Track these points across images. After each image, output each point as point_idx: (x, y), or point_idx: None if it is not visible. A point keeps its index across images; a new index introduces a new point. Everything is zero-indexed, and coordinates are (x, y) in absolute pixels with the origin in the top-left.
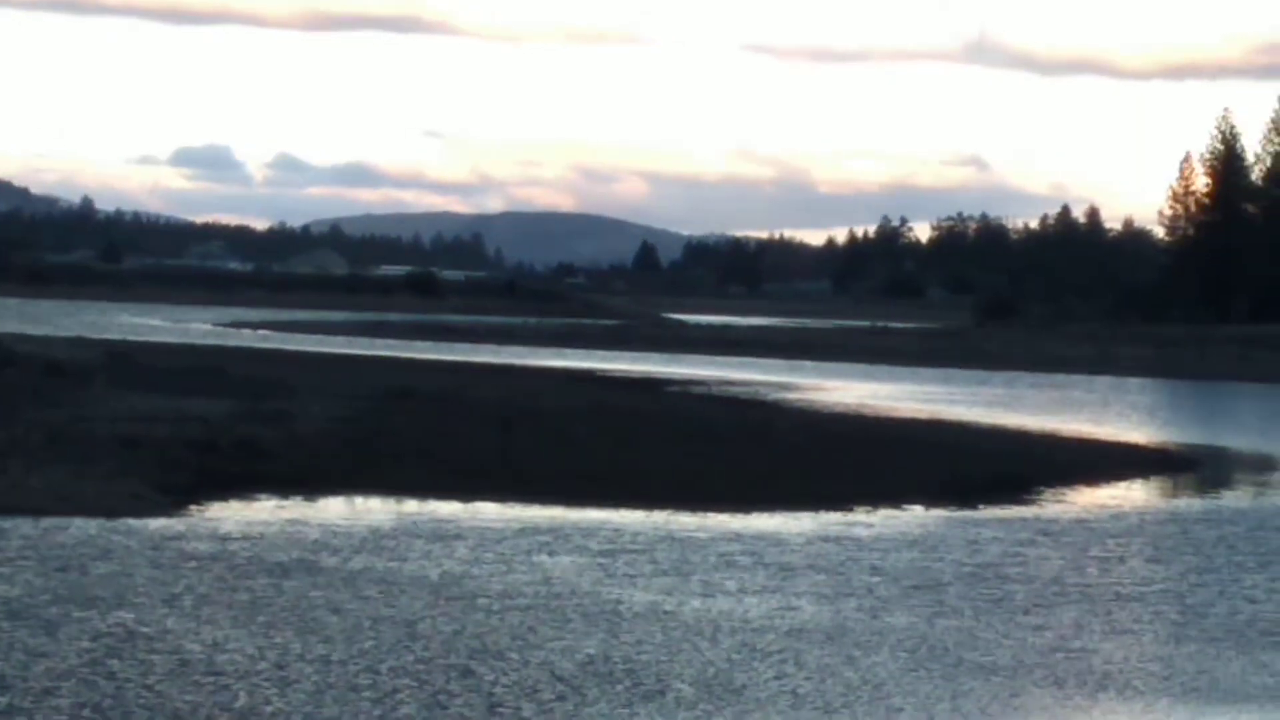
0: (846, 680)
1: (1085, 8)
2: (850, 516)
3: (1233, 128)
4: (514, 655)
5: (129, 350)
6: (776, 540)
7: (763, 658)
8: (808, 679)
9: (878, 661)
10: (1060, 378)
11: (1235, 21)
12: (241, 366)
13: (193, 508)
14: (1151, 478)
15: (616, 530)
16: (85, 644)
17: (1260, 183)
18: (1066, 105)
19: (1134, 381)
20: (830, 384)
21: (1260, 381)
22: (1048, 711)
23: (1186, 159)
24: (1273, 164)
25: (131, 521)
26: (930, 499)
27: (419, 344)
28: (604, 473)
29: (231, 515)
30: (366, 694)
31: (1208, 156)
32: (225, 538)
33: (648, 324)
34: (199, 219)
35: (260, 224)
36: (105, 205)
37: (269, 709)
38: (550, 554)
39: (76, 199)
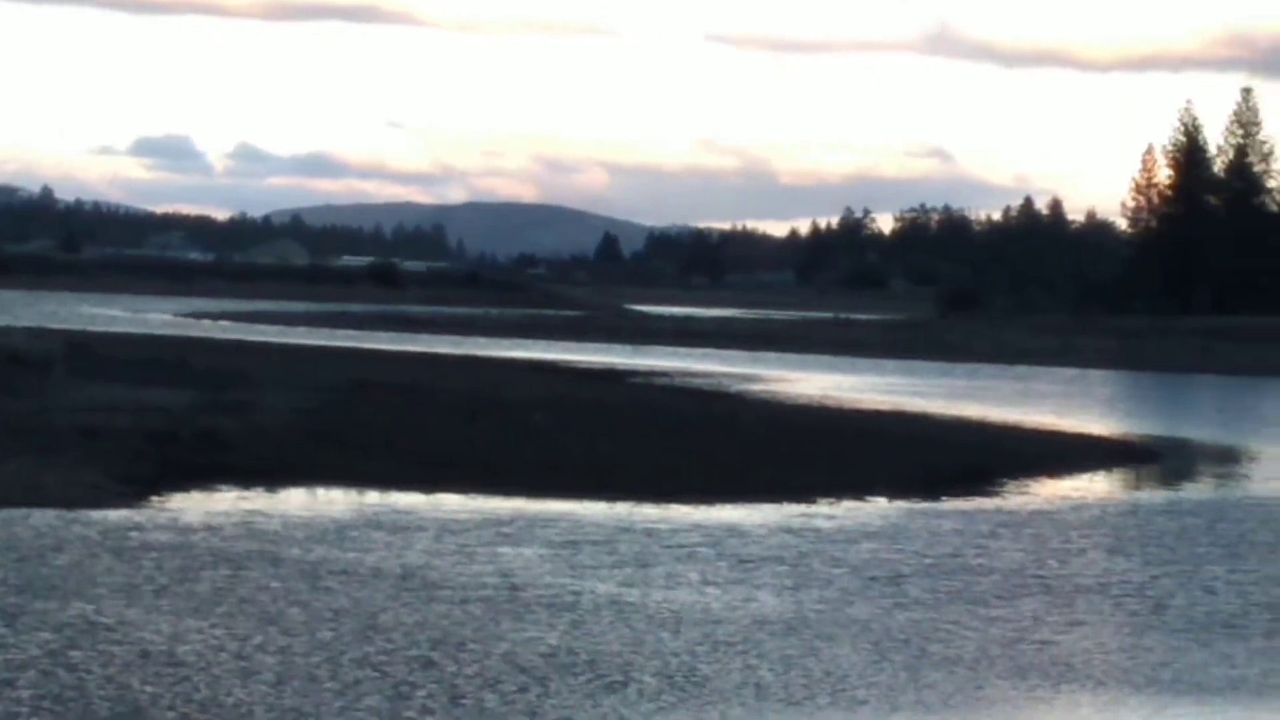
0: (809, 671)
1: None
2: (813, 508)
3: (1195, 120)
4: (476, 646)
5: (89, 340)
6: (739, 532)
7: (725, 649)
8: (770, 670)
9: (840, 653)
10: (1023, 369)
11: (1198, 13)
12: (203, 357)
13: (154, 499)
14: (1114, 469)
15: (579, 522)
16: (45, 635)
17: (1222, 175)
18: (1029, 97)
19: (1096, 373)
20: (793, 375)
21: (1222, 373)
22: (1011, 703)
23: (1149, 151)
24: (1235, 156)
25: (92, 512)
26: (893, 491)
27: (381, 335)
28: (566, 464)
29: (193, 506)
30: (328, 685)
31: (1170, 148)
32: (186, 529)
33: (610, 315)
34: (159, 209)
35: (221, 214)
36: (65, 195)
37: (230, 700)
38: (513, 545)
39: (36, 189)
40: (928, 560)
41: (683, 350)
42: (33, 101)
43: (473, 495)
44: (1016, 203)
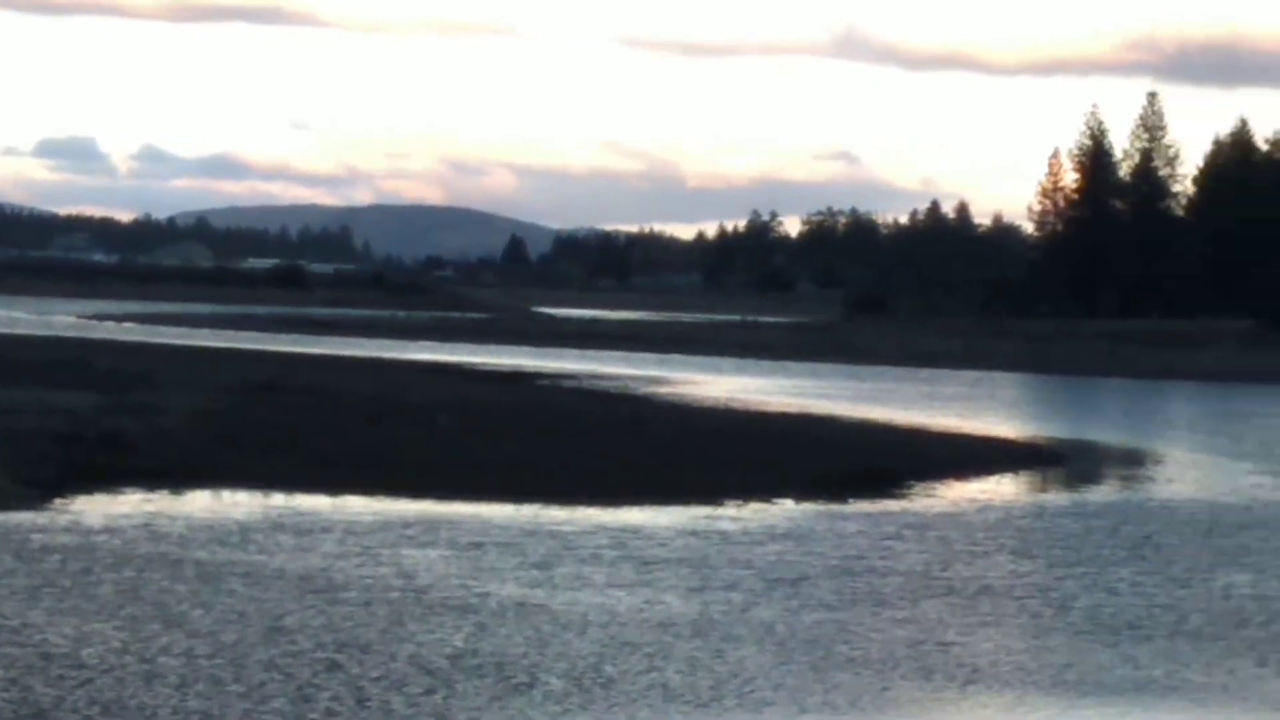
0: (715, 673)
1: (953, 3)
2: (719, 510)
3: (1101, 124)
4: (381, 648)
5: None
6: (645, 534)
7: (631, 651)
8: (677, 672)
9: (746, 654)
10: (929, 372)
11: (1104, 18)
12: (106, 359)
13: (57, 501)
14: (1020, 472)
15: (485, 524)
16: None
17: (1128, 179)
18: (936, 100)
19: (1003, 376)
20: (701, 378)
21: (1127, 376)
22: (917, 704)
23: (1055, 155)
24: (1140, 160)
25: None
26: (799, 493)
27: (286, 337)
28: (473, 466)
29: (96, 508)
30: (233, 687)
31: (1076, 153)
32: (90, 531)
33: (517, 317)
34: (63, 211)
35: (125, 216)
36: None
37: (134, 702)
38: (418, 547)
39: None
40: (833, 562)
41: (590, 353)
42: None
43: (378, 497)
44: (923, 206)
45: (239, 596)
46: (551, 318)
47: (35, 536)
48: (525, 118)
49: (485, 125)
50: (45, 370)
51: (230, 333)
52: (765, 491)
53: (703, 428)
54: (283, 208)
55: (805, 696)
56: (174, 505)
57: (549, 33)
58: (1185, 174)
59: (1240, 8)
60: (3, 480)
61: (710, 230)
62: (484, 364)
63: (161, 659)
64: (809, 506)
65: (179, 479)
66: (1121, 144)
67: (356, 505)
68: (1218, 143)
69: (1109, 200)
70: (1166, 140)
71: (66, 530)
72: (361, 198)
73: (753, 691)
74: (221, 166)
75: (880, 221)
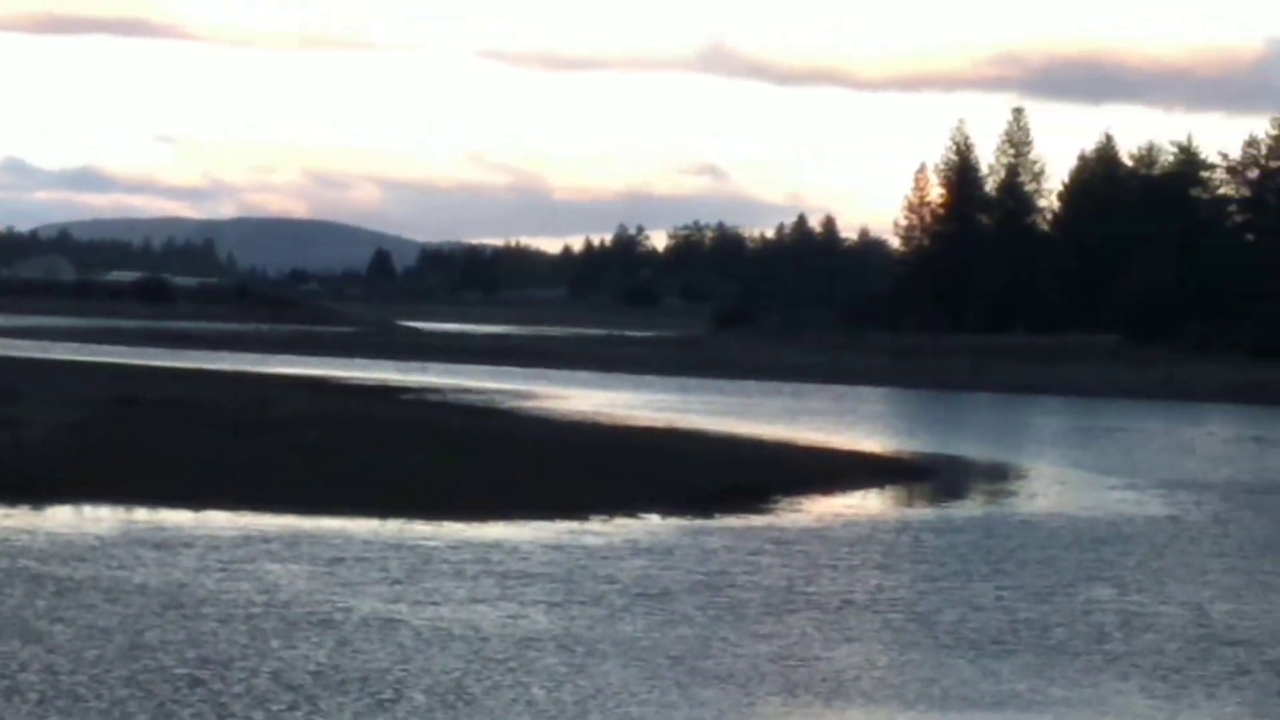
0: (580, 689)
1: (819, 18)
2: (584, 525)
3: (967, 139)
4: (243, 664)
5: None
6: (509, 549)
7: (495, 666)
8: (541, 688)
9: (610, 669)
10: (795, 387)
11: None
12: None
13: None
14: (885, 487)
15: (349, 539)
16: None
17: (994, 194)
18: (802, 115)
19: (869, 390)
20: (567, 392)
21: (992, 390)
22: (782, 718)
23: (921, 170)
24: (1006, 175)
25: None
26: (665, 508)
27: (150, 350)
28: (336, 481)
29: None
30: (93, 704)
31: (942, 167)
32: None
33: (382, 331)
34: None
35: None
36: None
37: None
38: (280, 563)
39: None
40: (698, 577)
41: (456, 367)
42: None
43: (241, 512)
44: (790, 220)
45: (99, 612)
46: (417, 331)
47: None
48: (391, 131)
49: (350, 138)
50: None
51: (93, 346)
52: (631, 506)
53: (568, 442)
54: (147, 220)
55: (670, 712)
56: (34, 520)
57: (413, 46)
58: (1051, 189)
59: (1106, 25)
60: None
61: (577, 244)
62: (349, 378)
63: (21, 675)
64: (674, 521)
65: (39, 493)
66: (988, 159)
67: (219, 520)
68: (1083, 158)
69: (975, 215)
70: (1032, 156)
71: None
72: (226, 210)
73: (618, 707)
74: (85, 179)
75: (747, 236)
